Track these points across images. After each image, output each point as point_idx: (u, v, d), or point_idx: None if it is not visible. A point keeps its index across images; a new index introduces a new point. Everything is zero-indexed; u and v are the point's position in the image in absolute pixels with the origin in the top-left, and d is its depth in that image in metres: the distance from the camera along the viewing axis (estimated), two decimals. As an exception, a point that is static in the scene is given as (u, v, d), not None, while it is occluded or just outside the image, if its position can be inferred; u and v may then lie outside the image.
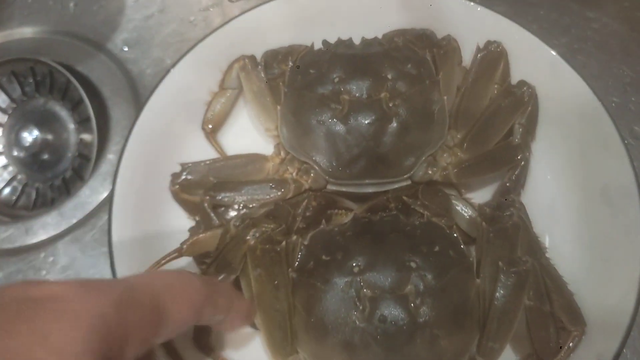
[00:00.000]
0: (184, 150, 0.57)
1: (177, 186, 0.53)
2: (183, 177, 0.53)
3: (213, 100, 0.58)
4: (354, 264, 0.43)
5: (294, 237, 0.46)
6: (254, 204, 0.52)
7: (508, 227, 0.45)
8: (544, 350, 0.45)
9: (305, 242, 0.46)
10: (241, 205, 0.52)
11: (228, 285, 0.44)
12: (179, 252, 0.48)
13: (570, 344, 0.45)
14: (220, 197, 0.51)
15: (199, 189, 0.53)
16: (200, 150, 0.57)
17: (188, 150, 0.57)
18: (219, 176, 0.53)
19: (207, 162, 0.54)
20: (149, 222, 0.53)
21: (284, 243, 0.45)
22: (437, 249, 0.44)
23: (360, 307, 0.41)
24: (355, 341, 0.41)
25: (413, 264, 0.42)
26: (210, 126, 0.58)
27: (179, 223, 0.54)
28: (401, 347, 0.40)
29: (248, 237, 0.45)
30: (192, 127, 0.58)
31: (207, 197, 0.51)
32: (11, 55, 0.66)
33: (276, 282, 0.44)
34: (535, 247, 0.48)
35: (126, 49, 0.69)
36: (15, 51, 0.68)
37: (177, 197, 0.54)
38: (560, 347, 0.45)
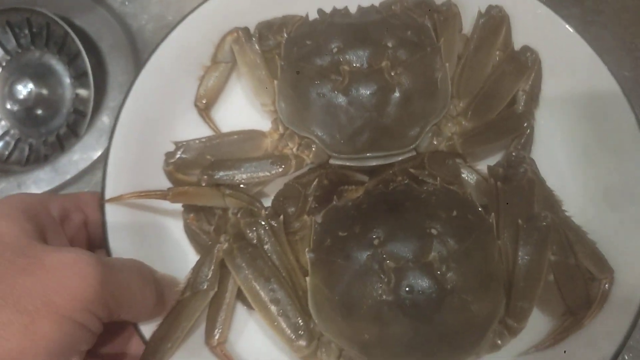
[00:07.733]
0: (179, 119, 0.55)
1: (171, 166, 0.51)
2: (178, 156, 0.51)
3: (206, 75, 0.56)
4: (373, 237, 0.41)
5: (306, 218, 0.45)
6: (254, 182, 0.50)
7: (523, 183, 0.45)
8: (576, 304, 0.45)
9: (319, 221, 0.44)
10: (241, 183, 0.50)
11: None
12: (164, 196, 0.48)
13: (601, 293, 0.45)
14: (218, 176, 0.49)
15: (194, 168, 0.51)
16: (194, 128, 0.55)
17: (183, 123, 0.55)
18: (215, 154, 0.51)
19: (203, 140, 0.52)
20: (144, 182, 0.50)
21: (255, 232, 0.45)
22: (455, 213, 0.42)
23: (385, 280, 0.40)
24: (384, 315, 0.39)
25: (434, 231, 0.41)
26: (203, 102, 0.55)
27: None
28: (431, 316, 0.39)
29: (219, 244, 0.44)
30: (185, 103, 0.56)
31: (205, 177, 0.49)
32: (6, 4, 0.63)
33: (265, 274, 0.43)
34: (551, 201, 0.47)
35: (126, 3, 0.67)
36: (10, 1, 0.64)
37: (171, 177, 0.52)
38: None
